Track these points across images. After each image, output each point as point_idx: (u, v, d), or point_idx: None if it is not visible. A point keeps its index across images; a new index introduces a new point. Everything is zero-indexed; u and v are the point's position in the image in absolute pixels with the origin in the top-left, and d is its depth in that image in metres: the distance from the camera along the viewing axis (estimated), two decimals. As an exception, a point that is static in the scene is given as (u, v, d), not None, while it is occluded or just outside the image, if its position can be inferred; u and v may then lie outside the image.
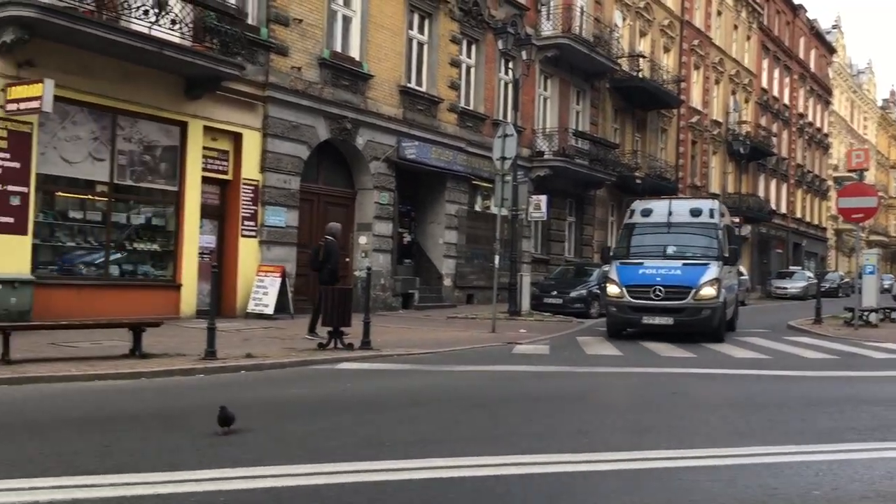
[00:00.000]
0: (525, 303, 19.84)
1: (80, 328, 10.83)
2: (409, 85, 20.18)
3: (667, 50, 34.77)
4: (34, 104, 11.66)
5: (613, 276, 15.03)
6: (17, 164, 12.19)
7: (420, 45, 20.90)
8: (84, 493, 4.32)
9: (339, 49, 18.28)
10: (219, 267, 10.79)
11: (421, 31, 20.92)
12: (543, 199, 21.62)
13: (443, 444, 5.83)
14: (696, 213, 15.56)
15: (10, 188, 12.12)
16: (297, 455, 5.32)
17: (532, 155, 25.18)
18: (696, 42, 37.24)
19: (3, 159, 12.03)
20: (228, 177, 15.93)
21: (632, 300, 14.46)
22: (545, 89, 26.69)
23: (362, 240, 19.02)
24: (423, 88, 20.80)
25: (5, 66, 12.00)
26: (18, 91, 11.83)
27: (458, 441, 6.01)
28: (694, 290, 14.11)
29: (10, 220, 12.14)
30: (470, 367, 10.49)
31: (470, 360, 11.30)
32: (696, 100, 37.84)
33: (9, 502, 4.16)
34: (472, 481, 4.82)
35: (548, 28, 25.59)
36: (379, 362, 10.76)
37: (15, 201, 12.18)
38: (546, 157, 25.42)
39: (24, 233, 12.34)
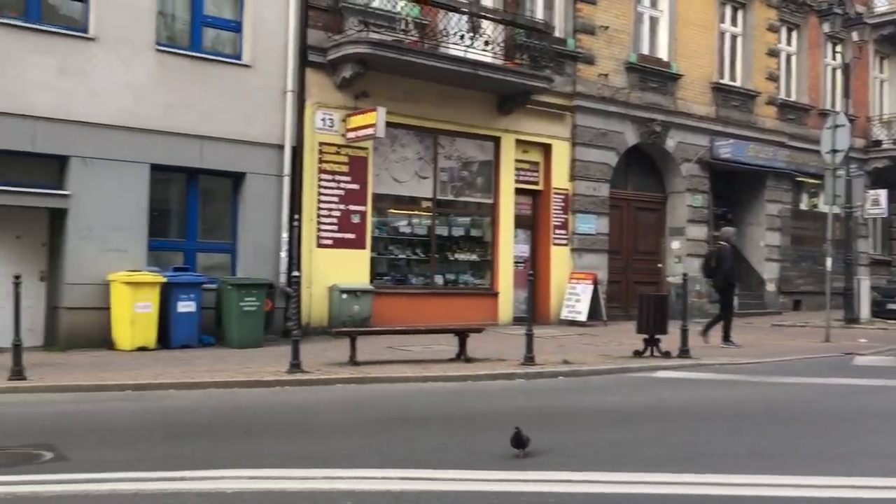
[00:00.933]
0: (864, 309, 18.14)
1: (413, 333, 11.84)
2: (721, 81, 19.25)
3: None
4: (369, 131, 12.98)
5: None
6: (356, 186, 13.65)
7: (733, 37, 19.85)
8: (428, 486, 4.67)
9: (645, 51, 17.97)
10: (533, 275, 11.12)
11: (734, 23, 19.87)
12: (883, 193, 19.84)
13: (775, 460, 5.44)
14: None
15: (352, 207, 13.60)
16: (618, 462, 5.29)
17: (867, 145, 22.94)
18: None
19: (346, 182, 13.54)
20: (539, 187, 16.38)
21: None
22: (881, 71, 24.08)
23: (675, 245, 18.49)
24: (738, 83, 19.73)
25: (345, 99, 13.49)
26: (356, 120, 13.25)
27: (793, 458, 5.59)
28: None
29: (353, 236, 13.62)
30: (801, 380, 9.69)
31: (801, 371, 10.43)
32: None
33: (364, 489, 4.64)
34: (811, 503, 4.44)
35: (883, 3, 23.01)
36: (698, 371, 10.33)
37: (356, 219, 13.64)
38: (885, 146, 23.08)
39: (364, 247, 13.77)
